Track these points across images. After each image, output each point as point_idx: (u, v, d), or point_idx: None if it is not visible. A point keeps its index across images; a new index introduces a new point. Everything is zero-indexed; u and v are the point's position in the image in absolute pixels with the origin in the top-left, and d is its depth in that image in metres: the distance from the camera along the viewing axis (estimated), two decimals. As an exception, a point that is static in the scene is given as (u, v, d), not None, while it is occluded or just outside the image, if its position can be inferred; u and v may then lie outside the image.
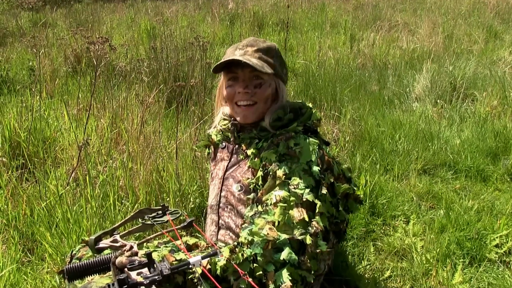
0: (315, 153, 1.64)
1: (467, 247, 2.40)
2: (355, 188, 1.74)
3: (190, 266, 1.09)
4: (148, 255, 1.11)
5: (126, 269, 1.14)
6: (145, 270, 1.13)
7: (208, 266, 1.41)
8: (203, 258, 1.12)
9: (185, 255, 1.52)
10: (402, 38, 7.44)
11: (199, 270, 1.38)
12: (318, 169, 1.61)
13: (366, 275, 2.25)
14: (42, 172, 2.82)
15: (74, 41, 5.43)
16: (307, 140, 1.67)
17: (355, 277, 2.19)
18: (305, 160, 1.62)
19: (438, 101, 4.70)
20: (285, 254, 1.45)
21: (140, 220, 1.88)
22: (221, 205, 1.82)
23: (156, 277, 1.06)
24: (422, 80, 5.05)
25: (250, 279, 1.33)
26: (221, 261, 1.41)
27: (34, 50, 4.69)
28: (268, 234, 1.46)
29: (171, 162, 2.75)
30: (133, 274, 1.12)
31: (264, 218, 1.53)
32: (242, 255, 1.44)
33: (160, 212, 1.87)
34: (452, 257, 2.34)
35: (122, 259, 1.17)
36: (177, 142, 2.79)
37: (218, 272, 1.40)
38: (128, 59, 5.06)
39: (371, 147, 3.60)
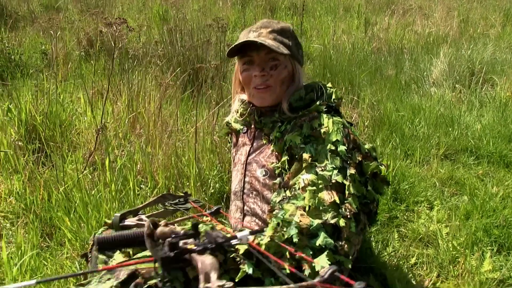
0: (340, 132, 1.57)
1: (494, 235, 2.34)
2: (381, 167, 1.68)
3: (237, 242, 1.05)
4: (195, 225, 1.06)
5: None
6: (190, 241, 1.08)
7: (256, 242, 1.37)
8: (250, 233, 1.08)
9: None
10: (417, 22, 7.32)
11: (241, 249, 1.33)
12: (345, 148, 1.54)
13: (391, 262, 2.20)
14: (59, 156, 2.79)
15: (87, 24, 5.37)
16: (331, 119, 1.61)
17: (380, 264, 2.15)
18: (330, 140, 1.55)
19: (457, 85, 4.62)
20: (320, 239, 1.39)
21: (161, 205, 1.84)
22: (245, 191, 1.76)
23: (209, 244, 1.02)
24: (440, 65, 4.96)
25: (303, 254, 1.27)
26: (264, 239, 1.36)
27: (51, 32, 4.63)
28: (300, 221, 1.41)
29: (190, 147, 2.70)
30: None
31: (293, 203, 1.47)
32: (283, 235, 1.39)
33: (182, 199, 1.83)
34: (479, 245, 2.29)
35: (163, 229, 1.11)
36: (196, 126, 2.74)
37: (263, 249, 1.35)
38: (141, 42, 5.00)
39: (391, 131, 3.53)
